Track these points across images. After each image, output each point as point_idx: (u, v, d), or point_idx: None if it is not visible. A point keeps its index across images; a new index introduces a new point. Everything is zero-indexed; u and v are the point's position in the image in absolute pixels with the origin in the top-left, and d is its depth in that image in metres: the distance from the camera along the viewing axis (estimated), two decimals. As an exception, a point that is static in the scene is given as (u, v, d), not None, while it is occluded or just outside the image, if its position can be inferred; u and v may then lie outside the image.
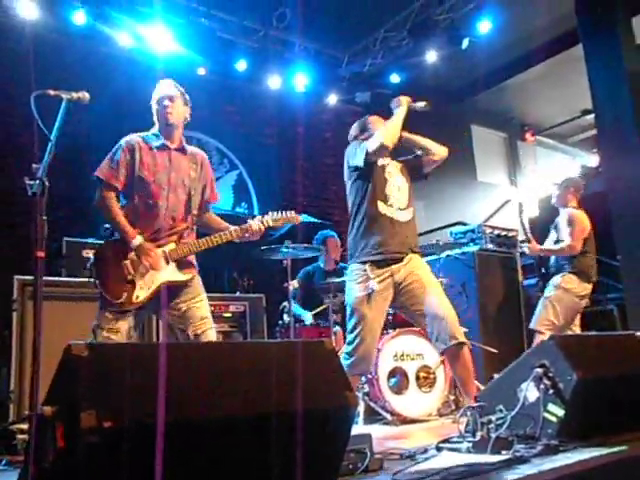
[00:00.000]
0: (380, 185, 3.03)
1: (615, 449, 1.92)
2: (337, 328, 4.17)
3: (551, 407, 2.08)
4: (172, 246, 2.68)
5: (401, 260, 2.97)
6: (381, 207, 3.00)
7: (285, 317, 4.30)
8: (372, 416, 3.73)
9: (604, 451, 1.90)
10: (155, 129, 2.80)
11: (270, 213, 2.89)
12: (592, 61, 4.82)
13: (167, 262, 2.65)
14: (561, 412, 2.05)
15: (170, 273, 2.65)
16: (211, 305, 2.78)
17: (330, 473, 1.52)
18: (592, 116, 5.16)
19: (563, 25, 6.66)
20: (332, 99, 7.44)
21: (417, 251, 3.07)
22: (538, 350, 2.22)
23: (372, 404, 3.72)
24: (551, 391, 2.09)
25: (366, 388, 3.73)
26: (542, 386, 2.11)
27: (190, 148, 2.86)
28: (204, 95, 6.34)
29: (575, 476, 1.73)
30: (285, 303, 4.24)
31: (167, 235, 2.68)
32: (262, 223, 2.82)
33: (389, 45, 6.98)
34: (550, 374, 2.11)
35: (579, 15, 4.96)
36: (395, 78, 7.33)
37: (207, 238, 2.73)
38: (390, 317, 4.05)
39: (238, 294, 4.67)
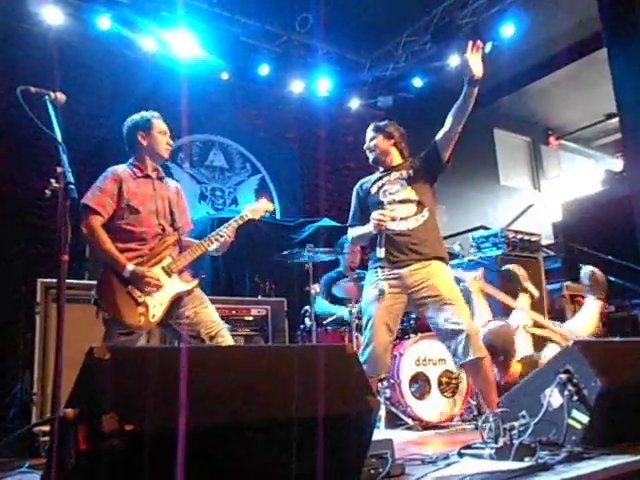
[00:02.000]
0: (378, 209, 3.01)
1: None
2: (358, 334, 4.15)
3: (575, 414, 2.05)
4: (169, 259, 2.73)
5: (411, 264, 2.95)
6: None
7: (307, 321, 4.29)
8: (393, 421, 3.70)
9: (629, 459, 1.86)
10: (133, 160, 2.86)
11: (246, 206, 3.02)
12: (616, 65, 4.76)
13: (169, 275, 2.70)
14: (585, 419, 2.02)
15: (176, 285, 2.71)
16: (232, 309, 2.84)
17: (351, 478, 1.51)
18: (616, 120, 5.07)
19: (586, 29, 6.59)
20: (354, 103, 7.45)
21: (436, 257, 2.99)
22: (562, 355, 2.19)
23: (393, 409, 3.70)
24: (575, 397, 2.06)
25: (388, 393, 3.71)
26: (566, 392, 2.08)
27: (166, 178, 2.97)
28: (227, 99, 6.45)
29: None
30: (307, 307, 4.24)
31: (162, 250, 2.73)
32: (240, 219, 2.92)
33: (412, 49, 6.98)
34: (574, 380, 2.08)
35: (603, 19, 4.91)
36: (418, 82, 7.33)
37: (197, 244, 2.83)
38: (413, 322, 4.03)
39: (260, 298, 4.67)
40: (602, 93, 5.24)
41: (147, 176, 2.82)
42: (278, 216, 6.60)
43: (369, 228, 2.98)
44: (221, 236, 2.83)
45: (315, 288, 3.83)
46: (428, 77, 7.25)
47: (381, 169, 3.22)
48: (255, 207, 3.04)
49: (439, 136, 3.07)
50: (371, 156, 3.23)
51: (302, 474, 1.42)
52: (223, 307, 3.96)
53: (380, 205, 3.03)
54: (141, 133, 2.81)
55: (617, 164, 10.04)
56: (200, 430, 1.30)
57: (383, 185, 3.11)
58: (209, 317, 2.69)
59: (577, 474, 1.71)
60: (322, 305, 4.51)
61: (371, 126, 3.31)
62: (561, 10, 7.20)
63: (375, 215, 2.93)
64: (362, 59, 7.19)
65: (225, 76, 6.28)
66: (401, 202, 3.03)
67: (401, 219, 2.99)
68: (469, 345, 2.77)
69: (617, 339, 3.45)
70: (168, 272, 2.69)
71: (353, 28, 6.42)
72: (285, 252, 3.92)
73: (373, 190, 3.13)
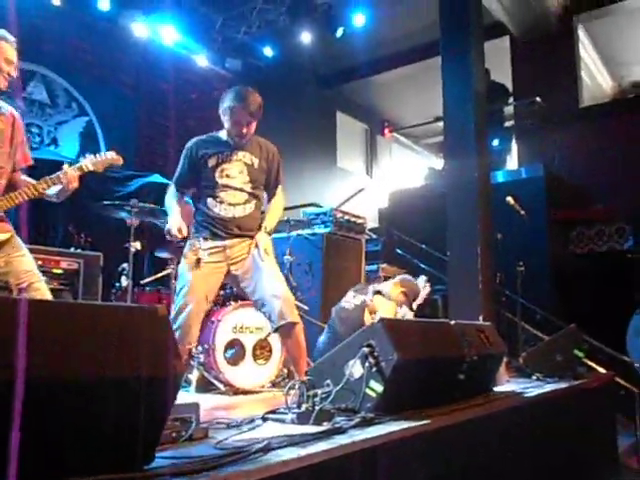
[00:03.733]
0: (210, 186, 2.99)
1: (420, 422, 2.11)
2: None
3: (372, 383, 2.23)
4: None
5: (232, 238, 2.98)
6: (210, 203, 2.98)
7: (123, 280, 4.05)
8: (205, 386, 3.73)
9: (411, 424, 2.07)
10: None
11: (88, 156, 2.75)
12: (447, 73, 5.20)
13: None
14: (380, 388, 2.20)
15: None
16: (40, 259, 2.60)
17: (151, 440, 1.48)
18: (442, 123, 5.59)
19: (429, 34, 7.06)
20: (202, 60, 7.16)
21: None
22: (368, 330, 2.36)
23: (206, 374, 3.72)
24: (374, 369, 2.23)
25: (202, 358, 3.71)
26: (367, 364, 2.25)
27: (1, 104, 2.60)
28: (56, 28, 5.73)
29: (383, 445, 1.89)
30: (124, 265, 3.99)
31: None
32: (78, 169, 2.67)
33: (266, 17, 6.90)
34: (375, 353, 2.25)
35: (441, 29, 5.33)
36: (269, 51, 7.29)
37: (14, 193, 2.51)
38: (234, 290, 4.05)
39: (72, 250, 4.26)
40: (434, 97, 5.69)
41: None
42: (104, 165, 6.16)
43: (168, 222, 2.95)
44: (59, 180, 2.57)
45: (136, 245, 3.62)
46: (280, 49, 7.25)
47: (224, 138, 3.07)
48: (100, 159, 2.76)
49: (279, 192, 3.15)
50: (237, 137, 3.00)
51: (103, 434, 1.37)
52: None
53: (214, 185, 2.97)
54: None
55: (439, 163, 11.03)
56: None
57: (223, 162, 2.99)
58: (23, 267, 2.43)
59: (366, 437, 1.87)
60: None
61: (252, 106, 2.95)
62: (409, 12, 7.66)
63: (171, 231, 2.89)
64: (214, 15, 6.84)
65: (57, 1, 5.57)
66: (235, 189, 2.99)
67: (229, 204, 2.98)
68: (284, 310, 2.87)
69: (416, 319, 3.84)
70: None
71: (209, -19, 6.17)
72: (106, 203, 3.61)
73: (210, 163, 2.99)
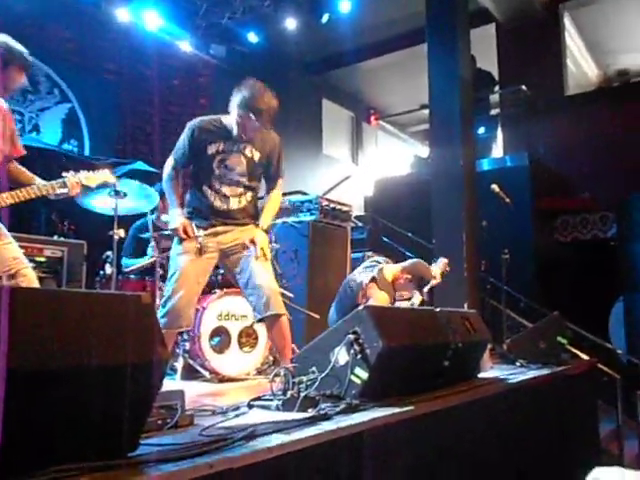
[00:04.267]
0: (206, 173, 2.95)
1: (405, 409, 2.13)
2: (162, 284, 4.04)
3: (357, 370, 2.24)
4: None
5: (227, 225, 2.99)
6: (206, 191, 2.96)
7: (107, 268, 4.01)
8: (191, 373, 3.72)
9: (396, 410, 2.10)
10: None
11: (82, 172, 2.81)
12: (433, 62, 5.20)
13: None
14: (365, 375, 2.22)
15: None
16: (23, 247, 2.61)
17: (136, 427, 1.48)
18: (427, 111, 5.59)
19: (416, 21, 7.04)
20: (185, 46, 7.06)
21: (251, 223, 3.05)
22: (353, 317, 2.37)
23: (191, 362, 3.71)
24: (359, 356, 2.24)
25: (187, 345, 3.70)
26: (352, 351, 2.26)
27: None
28: (36, 13, 5.58)
29: (368, 431, 1.90)
30: (109, 252, 3.94)
31: None
32: (77, 181, 2.75)
33: (250, 3, 6.81)
34: (360, 340, 2.26)
35: (428, 16, 5.31)
36: (253, 37, 7.21)
37: (14, 192, 2.55)
38: (220, 277, 4.04)
39: (56, 238, 4.24)
40: (421, 84, 5.68)
41: None
42: (87, 152, 6.06)
43: (172, 220, 2.94)
44: (65, 186, 2.68)
45: (119, 233, 3.59)
46: (264, 35, 7.18)
47: (229, 127, 2.95)
48: (94, 175, 2.82)
49: (278, 187, 3.10)
50: (237, 129, 2.90)
51: (88, 422, 1.36)
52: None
53: (210, 173, 2.93)
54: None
55: (424, 151, 11.04)
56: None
57: (223, 152, 2.94)
58: (10, 254, 2.46)
59: (351, 423, 1.88)
60: (128, 262, 4.29)
61: (265, 118, 2.83)
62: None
63: (178, 231, 2.89)
64: (198, 0, 6.76)
65: (37, -14, 5.47)
66: (231, 181, 2.96)
67: (224, 196, 2.96)
68: (270, 301, 2.87)
69: (401, 306, 3.86)
70: None
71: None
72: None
73: (210, 150, 2.92)
